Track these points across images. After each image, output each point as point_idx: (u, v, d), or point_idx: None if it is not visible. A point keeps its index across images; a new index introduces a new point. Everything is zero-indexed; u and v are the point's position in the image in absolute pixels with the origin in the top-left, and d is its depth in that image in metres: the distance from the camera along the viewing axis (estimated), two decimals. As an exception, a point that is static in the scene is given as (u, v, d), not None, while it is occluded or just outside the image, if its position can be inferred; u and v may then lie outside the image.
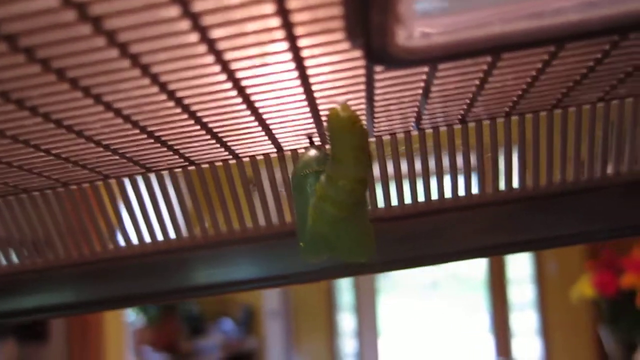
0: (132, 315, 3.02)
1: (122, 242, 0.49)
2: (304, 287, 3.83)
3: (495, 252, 0.50)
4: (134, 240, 0.48)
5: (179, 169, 0.44)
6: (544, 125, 0.44)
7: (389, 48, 0.23)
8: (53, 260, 0.48)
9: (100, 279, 0.50)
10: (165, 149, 0.39)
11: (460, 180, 0.46)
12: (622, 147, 0.46)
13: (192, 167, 0.44)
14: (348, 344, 3.88)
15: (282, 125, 0.38)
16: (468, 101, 0.38)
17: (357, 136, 0.31)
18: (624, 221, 0.48)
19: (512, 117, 0.43)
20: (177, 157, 0.41)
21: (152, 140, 0.37)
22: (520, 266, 3.61)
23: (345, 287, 3.88)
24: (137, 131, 0.35)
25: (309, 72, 0.30)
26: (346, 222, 0.33)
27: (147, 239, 0.48)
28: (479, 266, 3.84)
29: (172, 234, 0.48)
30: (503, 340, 3.64)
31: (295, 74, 0.30)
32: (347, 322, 3.88)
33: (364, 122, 0.39)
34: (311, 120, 0.37)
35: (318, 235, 0.35)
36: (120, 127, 0.34)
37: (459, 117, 0.41)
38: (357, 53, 0.28)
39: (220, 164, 0.44)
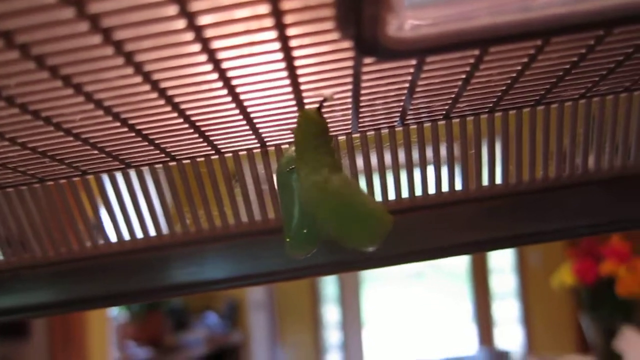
0: (115, 310, 2.99)
1: (100, 240, 0.47)
2: (288, 280, 3.83)
3: (477, 249, 0.50)
4: (113, 238, 0.47)
5: (159, 165, 0.43)
6: (526, 122, 0.44)
7: (379, 39, 0.23)
8: (29, 259, 0.47)
9: (78, 278, 0.48)
10: (146, 143, 0.38)
11: (444, 177, 0.46)
12: (602, 144, 0.46)
13: (173, 163, 0.43)
14: (333, 335, 3.90)
15: (267, 119, 0.37)
16: (453, 96, 0.38)
17: (326, 139, 0.33)
18: (605, 217, 0.49)
19: (496, 114, 0.43)
20: (157, 151, 0.40)
21: (133, 134, 0.36)
22: (502, 256, 3.66)
23: (329, 279, 3.90)
24: (118, 124, 0.34)
25: (297, 62, 0.29)
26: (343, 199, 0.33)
27: (126, 236, 0.47)
28: (461, 257, 3.87)
29: (152, 232, 0.47)
30: (486, 329, 3.68)
31: (283, 64, 0.29)
32: (331, 313, 3.90)
33: (350, 117, 0.39)
34: (296, 114, 0.37)
35: (314, 226, 0.34)
36: (101, 119, 0.32)
37: (443, 112, 0.41)
38: (346, 44, 0.27)
39: (202, 159, 0.43)
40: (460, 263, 3.94)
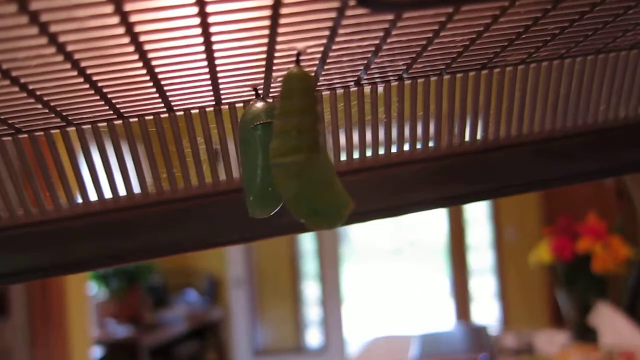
0: (94, 288, 2.98)
1: (70, 202, 0.45)
2: (268, 256, 3.84)
3: (420, 208, 0.51)
4: (83, 199, 0.45)
5: (104, 123, 0.41)
6: (471, 85, 0.46)
7: None
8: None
9: (48, 242, 0.46)
10: (98, 97, 0.36)
11: (393, 138, 0.47)
12: (535, 109, 0.49)
13: (133, 120, 0.41)
14: (312, 312, 3.93)
15: (232, 72, 0.36)
16: (414, 56, 0.38)
17: (314, 99, 0.32)
18: (534, 176, 0.52)
19: (445, 77, 0.44)
20: (107, 107, 0.38)
21: (88, 85, 0.34)
22: (479, 233, 3.70)
23: (309, 256, 3.91)
24: (75, 73, 0.32)
25: (283, 10, 0.28)
26: (311, 176, 0.32)
27: (95, 197, 0.45)
28: (439, 233, 3.91)
29: (122, 192, 0.45)
30: (463, 304, 3.74)
31: (267, 12, 0.28)
32: (311, 290, 3.92)
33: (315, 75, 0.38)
34: (262, 69, 0.35)
35: (276, 196, 0.34)
36: (58, 67, 0.30)
37: (399, 73, 0.42)
38: None
39: (150, 117, 0.41)
40: (439, 239, 3.98)
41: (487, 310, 3.72)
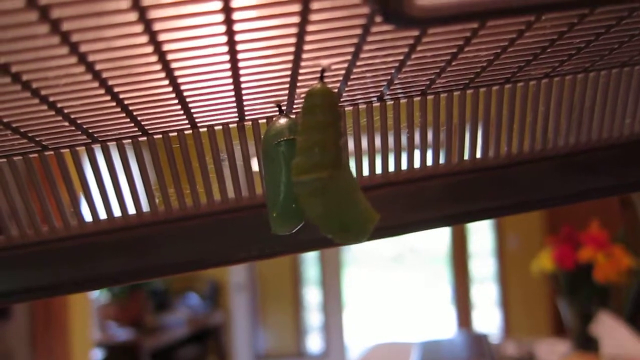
0: (96, 291, 2.97)
1: (77, 220, 0.45)
2: (270, 262, 3.84)
3: (443, 223, 0.51)
4: (93, 217, 0.45)
5: (128, 140, 0.41)
6: (494, 99, 0.45)
7: (405, 6, 0.24)
8: (4, 241, 0.44)
9: (55, 260, 0.46)
10: (124, 114, 0.36)
11: (416, 153, 0.47)
12: (559, 122, 0.48)
13: (158, 136, 0.41)
14: (313, 317, 3.93)
15: (256, 89, 0.36)
16: (438, 71, 0.38)
17: (337, 115, 0.32)
18: (559, 191, 0.51)
19: (468, 91, 0.44)
20: (132, 124, 0.38)
21: (114, 103, 0.34)
22: (481, 240, 3.69)
23: (310, 261, 3.91)
24: (102, 91, 0.32)
25: (309, 27, 0.28)
26: (334, 193, 0.32)
27: (105, 216, 0.44)
28: (441, 240, 3.91)
29: (132, 210, 0.44)
30: (464, 312, 3.73)
31: (294, 29, 0.28)
32: (312, 295, 3.92)
33: (338, 90, 0.38)
34: (286, 85, 0.36)
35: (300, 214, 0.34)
36: (87, 85, 0.31)
37: (422, 88, 0.42)
38: (361, 11, 0.27)
39: (174, 134, 0.41)
40: (440, 247, 3.98)
41: (488, 318, 3.71)
